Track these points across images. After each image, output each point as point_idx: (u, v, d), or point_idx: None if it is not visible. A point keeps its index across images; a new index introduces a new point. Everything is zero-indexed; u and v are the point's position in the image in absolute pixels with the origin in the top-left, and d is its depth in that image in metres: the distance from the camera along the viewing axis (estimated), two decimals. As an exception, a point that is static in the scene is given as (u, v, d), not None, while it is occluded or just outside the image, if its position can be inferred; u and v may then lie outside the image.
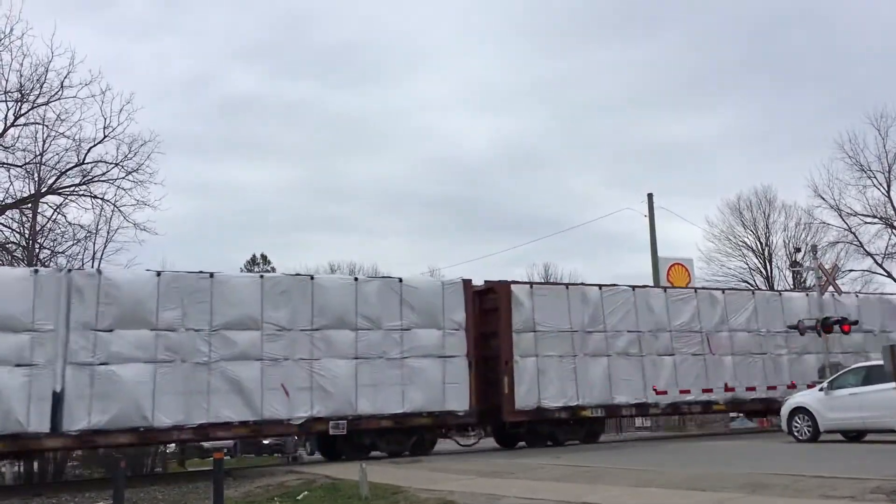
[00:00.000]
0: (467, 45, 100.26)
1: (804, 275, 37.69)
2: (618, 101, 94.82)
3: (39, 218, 26.11)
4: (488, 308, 21.25)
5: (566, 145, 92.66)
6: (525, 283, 22.09)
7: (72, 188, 26.40)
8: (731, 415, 32.36)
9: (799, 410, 18.24)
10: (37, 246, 25.79)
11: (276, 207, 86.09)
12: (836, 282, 27.83)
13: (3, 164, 25.26)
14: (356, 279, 19.98)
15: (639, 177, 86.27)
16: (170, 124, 77.29)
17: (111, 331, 16.58)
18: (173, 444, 26.47)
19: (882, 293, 30.16)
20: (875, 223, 40.94)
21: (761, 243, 47.23)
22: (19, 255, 25.63)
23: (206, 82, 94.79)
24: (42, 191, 25.89)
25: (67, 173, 26.06)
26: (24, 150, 25.32)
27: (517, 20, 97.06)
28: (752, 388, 23.58)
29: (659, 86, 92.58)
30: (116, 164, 26.01)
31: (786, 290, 29.53)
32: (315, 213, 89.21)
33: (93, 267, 23.63)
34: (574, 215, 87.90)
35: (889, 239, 40.84)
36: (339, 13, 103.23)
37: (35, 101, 24.87)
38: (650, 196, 36.31)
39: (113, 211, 26.20)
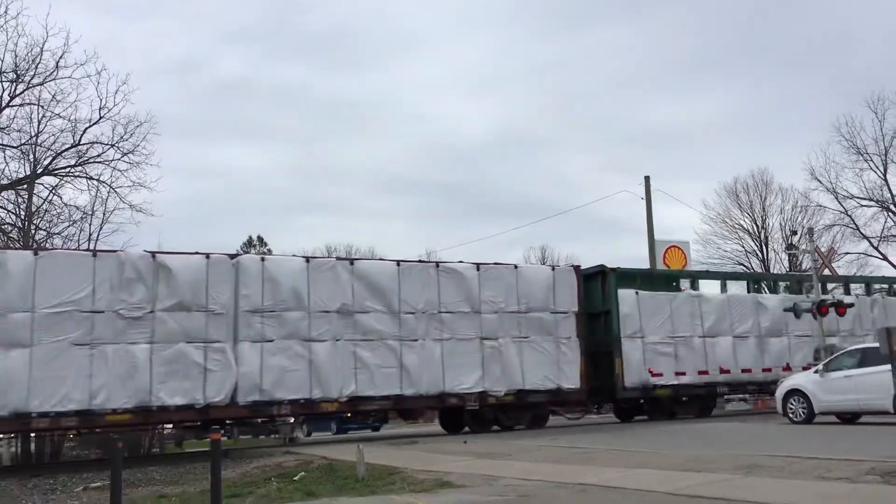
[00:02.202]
0: (461, 29, 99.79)
1: (800, 257, 37.77)
2: (613, 84, 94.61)
3: (35, 199, 26.03)
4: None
5: (562, 129, 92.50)
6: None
7: (67, 169, 26.27)
8: (726, 397, 32.48)
9: (794, 392, 18.34)
10: (32, 227, 25.70)
11: (270, 190, 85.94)
12: (833, 264, 27.88)
13: (-1, 144, 25.13)
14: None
15: (635, 160, 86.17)
16: (162, 106, 76.86)
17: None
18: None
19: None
20: (871, 206, 41.06)
21: (758, 226, 47.30)
22: (15, 237, 25.55)
23: (198, 65, 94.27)
24: (38, 172, 25.77)
25: (63, 154, 25.92)
26: (19, 131, 25.18)
27: (511, 3, 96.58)
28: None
29: (654, 69, 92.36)
30: (112, 146, 25.88)
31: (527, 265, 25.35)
32: (310, 196, 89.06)
33: (88, 248, 23.54)
34: (571, 199, 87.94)
35: (885, 222, 40.99)
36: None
37: (30, 81, 24.71)
38: (647, 179, 36.23)
39: (109, 192, 26.10)
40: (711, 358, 23.65)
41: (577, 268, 22.85)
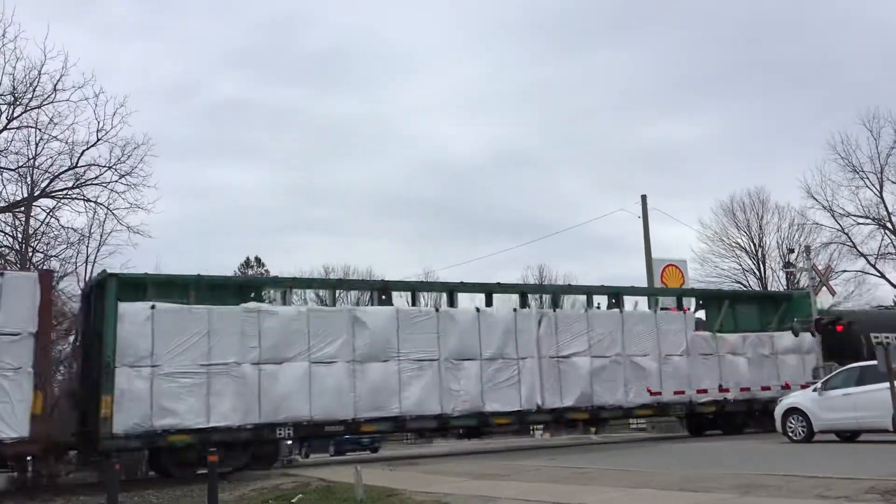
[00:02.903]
0: (455, 51, 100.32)
1: (798, 275, 37.80)
2: (607, 104, 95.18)
3: (32, 221, 26.01)
4: None
5: (556, 149, 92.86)
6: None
7: (65, 191, 26.29)
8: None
9: (793, 411, 18.29)
10: (30, 250, 25.69)
11: (267, 211, 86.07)
12: (830, 282, 27.89)
13: (-4, 167, 25.17)
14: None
15: (631, 180, 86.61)
16: (158, 128, 77.17)
17: None
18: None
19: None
20: (868, 224, 41.11)
21: (754, 244, 47.35)
22: (12, 259, 25.54)
23: (193, 87, 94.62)
24: (35, 194, 25.80)
25: (60, 176, 25.95)
26: (16, 154, 25.24)
27: (505, 25, 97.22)
28: None
29: (648, 89, 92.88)
30: (110, 168, 25.92)
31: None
32: (306, 217, 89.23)
33: (86, 271, 23.56)
34: (567, 218, 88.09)
35: (882, 239, 41.03)
36: (324, 19, 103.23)
37: (28, 104, 24.78)
38: (644, 198, 36.40)
39: (106, 214, 26.13)
40: (268, 394, 17.94)
41: (45, 273, 17.67)
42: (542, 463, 15.32)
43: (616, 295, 23.60)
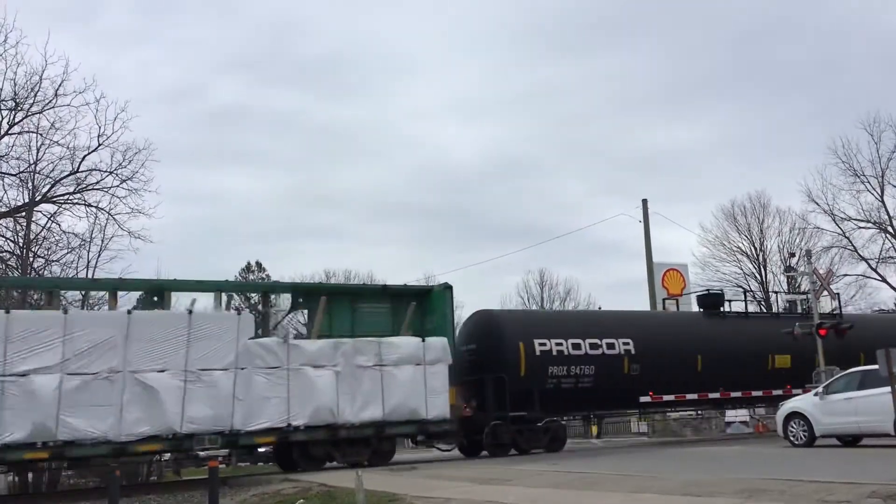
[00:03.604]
0: (454, 55, 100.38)
1: (798, 279, 37.80)
2: (607, 109, 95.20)
3: (33, 227, 26.07)
4: None
5: (556, 153, 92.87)
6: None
7: (66, 196, 26.37)
8: (727, 420, 32.49)
9: (795, 415, 18.25)
10: (31, 255, 25.72)
11: (267, 216, 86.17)
12: (831, 286, 27.91)
13: (-2, 172, 25.22)
14: None
15: (631, 184, 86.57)
16: (158, 134, 77.29)
17: None
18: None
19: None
20: (869, 228, 41.21)
21: (756, 248, 47.43)
22: (13, 264, 25.57)
23: (193, 93, 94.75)
24: (36, 199, 25.85)
25: (62, 182, 26.05)
26: (18, 159, 25.32)
27: (504, 28, 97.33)
28: None
29: (648, 93, 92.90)
30: (111, 173, 26.01)
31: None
32: (307, 222, 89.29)
33: (87, 275, 23.51)
34: (567, 223, 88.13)
35: (883, 243, 41.11)
36: (324, 24, 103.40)
37: (29, 109, 24.88)
38: (644, 202, 36.44)
39: (107, 219, 26.17)
40: None
41: None
42: (543, 468, 15.30)
43: (158, 291, 18.49)
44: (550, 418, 21.32)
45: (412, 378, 18.90)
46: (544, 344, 21.62)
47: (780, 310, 30.41)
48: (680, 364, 23.54)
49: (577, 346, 22.19)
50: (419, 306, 20.53)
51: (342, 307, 20.09)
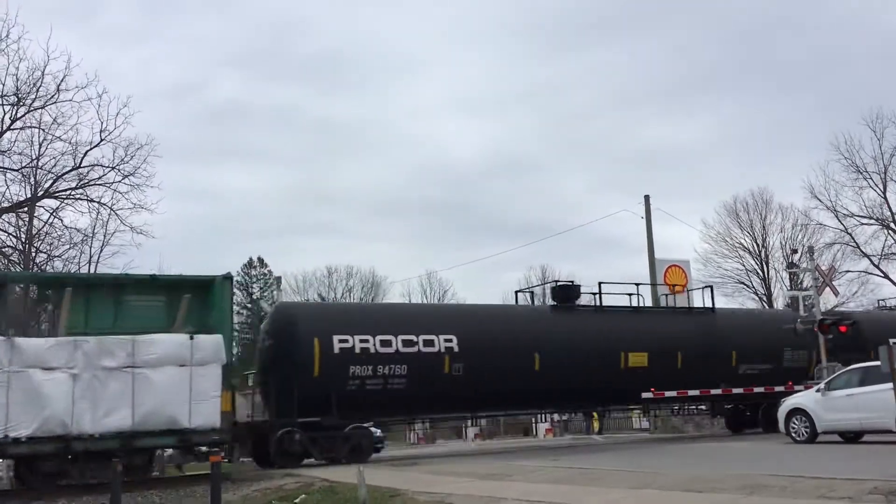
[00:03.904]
0: (455, 51, 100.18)
1: (801, 276, 37.79)
2: (608, 105, 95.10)
3: (36, 222, 26.14)
4: None
5: (558, 149, 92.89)
6: None
7: (68, 192, 26.41)
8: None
9: (796, 411, 18.27)
10: (33, 250, 25.76)
11: (268, 212, 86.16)
12: (833, 283, 27.90)
13: (0, 167, 25.25)
14: None
15: (633, 180, 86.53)
16: (160, 130, 77.23)
17: None
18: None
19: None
20: (871, 224, 41.18)
21: (758, 245, 47.41)
22: (16, 259, 25.59)
23: (194, 90, 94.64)
24: (38, 195, 25.88)
25: (64, 177, 26.08)
26: (20, 154, 25.35)
27: (504, 26, 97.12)
28: None
29: (651, 89, 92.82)
30: (113, 168, 26.05)
31: None
32: (308, 218, 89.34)
33: (89, 270, 23.56)
34: (569, 219, 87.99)
35: (885, 240, 41.12)
36: (325, 21, 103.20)
37: (31, 104, 24.91)
38: (647, 198, 36.34)
39: (109, 214, 26.20)
40: None
41: None
42: (545, 463, 15.32)
43: None
44: (355, 424, 18.84)
45: (173, 381, 15.89)
46: (346, 341, 18.85)
47: (673, 304, 27.56)
48: (514, 363, 20.63)
49: (386, 343, 19.38)
50: (202, 300, 17.44)
51: (102, 300, 16.99)
